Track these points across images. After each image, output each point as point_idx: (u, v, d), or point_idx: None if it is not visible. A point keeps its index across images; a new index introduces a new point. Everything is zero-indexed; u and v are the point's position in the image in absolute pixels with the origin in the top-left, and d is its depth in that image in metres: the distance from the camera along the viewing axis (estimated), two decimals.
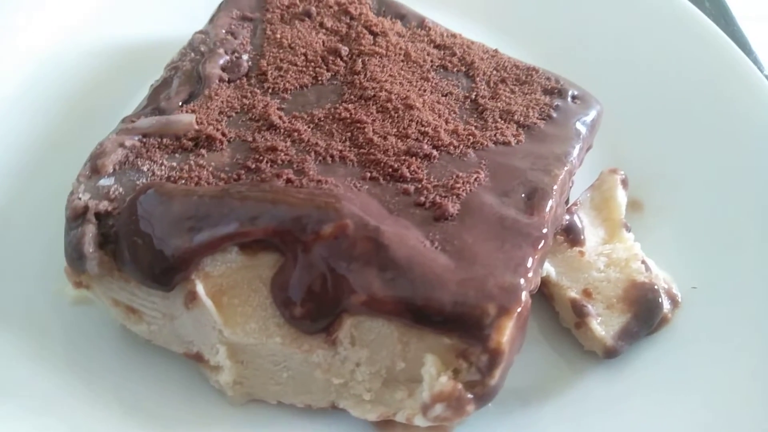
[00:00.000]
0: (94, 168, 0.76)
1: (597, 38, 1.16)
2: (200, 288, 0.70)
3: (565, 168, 0.82)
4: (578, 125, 0.89)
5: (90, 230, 0.71)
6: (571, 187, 0.89)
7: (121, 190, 0.75)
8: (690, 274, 0.89)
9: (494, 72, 0.94)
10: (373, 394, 0.72)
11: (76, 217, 0.72)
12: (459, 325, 0.66)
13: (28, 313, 0.81)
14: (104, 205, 0.73)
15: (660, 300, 0.83)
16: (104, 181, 0.75)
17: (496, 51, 0.98)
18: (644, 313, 0.82)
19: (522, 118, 0.87)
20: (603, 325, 0.82)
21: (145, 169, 0.76)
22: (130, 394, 0.77)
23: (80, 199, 0.73)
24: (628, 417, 0.79)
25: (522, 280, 0.68)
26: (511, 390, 0.79)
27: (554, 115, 0.89)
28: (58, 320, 0.82)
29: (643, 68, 1.11)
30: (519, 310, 0.66)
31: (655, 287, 0.84)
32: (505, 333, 0.65)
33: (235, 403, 0.77)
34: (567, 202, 0.91)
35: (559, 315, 0.87)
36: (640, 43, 1.14)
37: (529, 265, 0.70)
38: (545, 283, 0.85)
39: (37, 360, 0.78)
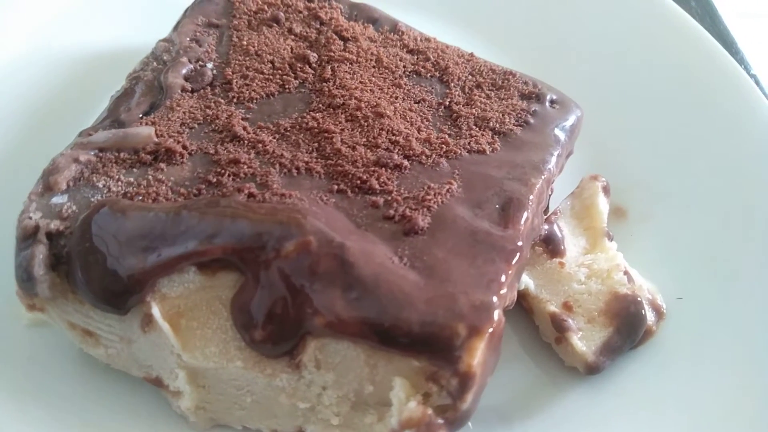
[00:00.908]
0: (47, 185, 0.72)
1: (577, 40, 1.13)
2: (156, 311, 0.66)
3: (543, 176, 0.79)
4: (557, 131, 0.86)
5: (41, 251, 0.68)
6: (550, 196, 0.86)
7: (74, 208, 0.71)
8: (675, 284, 0.87)
9: (469, 77, 0.91)
10: (342, 418, 0.69)
11: (26, 237, 0.69)
12: (427, 346, 0.62)
13: None
14: (56, 225, 0.69)
15: (643, 313, 0.80)
16: (57, 199, 0.72)
17: (471, 55, 0.95)
18: (627, 327, 0.79)
19: (498, 125, 0.84)
20: (584, 340, 0.79)
21: (100, 185, 0.73)
22: (90, 419, 0.74)
23: (31, 218, 0.70)
24: None
25: (495, 298, 0.65)
26: (492, 407, 0.78)
27: (531, 120, 0.86)
28: (14, 343, 0.78)
29: (626, 71, 1.08)
30: (491, 329, 0.63)
31: (638, 299, 0.81)
32: (476, 354, 0.62)
33: (198, 428, 0.74)
34: (546, 211, 0.88)
35: (539, 329, 0.84)
36: (622, 45, 1.11)
37: (502, 280, 0.67)
38: (524, 296, 0.82)
39: None
